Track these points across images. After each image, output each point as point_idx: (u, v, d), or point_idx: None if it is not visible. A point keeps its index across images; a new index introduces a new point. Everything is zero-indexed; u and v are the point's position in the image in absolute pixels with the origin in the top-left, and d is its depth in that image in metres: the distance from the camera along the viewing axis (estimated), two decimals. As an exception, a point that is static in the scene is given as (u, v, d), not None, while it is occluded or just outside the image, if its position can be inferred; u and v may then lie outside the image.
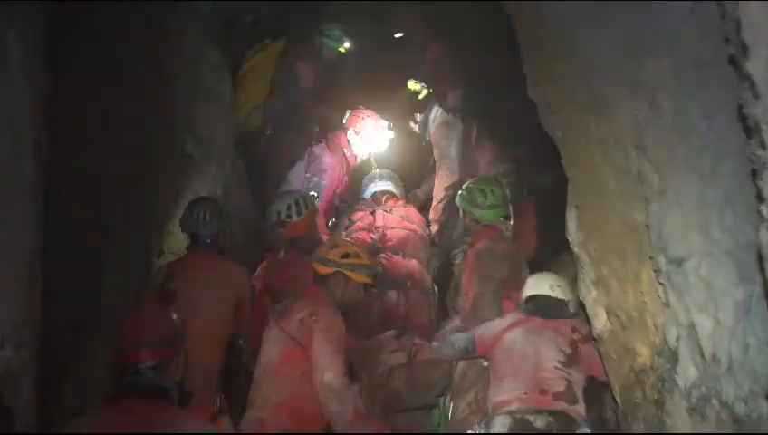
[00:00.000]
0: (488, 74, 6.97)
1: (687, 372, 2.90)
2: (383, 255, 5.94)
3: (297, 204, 5.57)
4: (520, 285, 4.87)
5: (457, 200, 5.47)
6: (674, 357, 2.99)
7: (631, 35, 3.01)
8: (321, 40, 7.55)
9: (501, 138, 6.85)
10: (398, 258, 6.05)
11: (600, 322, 3.82)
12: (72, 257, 4.19)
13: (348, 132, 6.69)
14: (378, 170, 6.86)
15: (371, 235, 6.23)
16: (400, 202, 6.62)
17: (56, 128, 3.56)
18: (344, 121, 6.82)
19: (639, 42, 2.97)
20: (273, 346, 4.32)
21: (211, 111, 6.09)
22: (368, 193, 6.67)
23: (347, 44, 7.63)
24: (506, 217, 5.43)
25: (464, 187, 5.54)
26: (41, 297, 3.39)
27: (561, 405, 4.12)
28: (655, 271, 3.06)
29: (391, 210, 6.44)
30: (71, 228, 4.13)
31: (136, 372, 2.97)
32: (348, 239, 5.63)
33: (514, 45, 4.28)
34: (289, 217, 5.55)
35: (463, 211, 5.42)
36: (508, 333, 4.44)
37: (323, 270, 4.52)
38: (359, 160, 6.75)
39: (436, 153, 6.99)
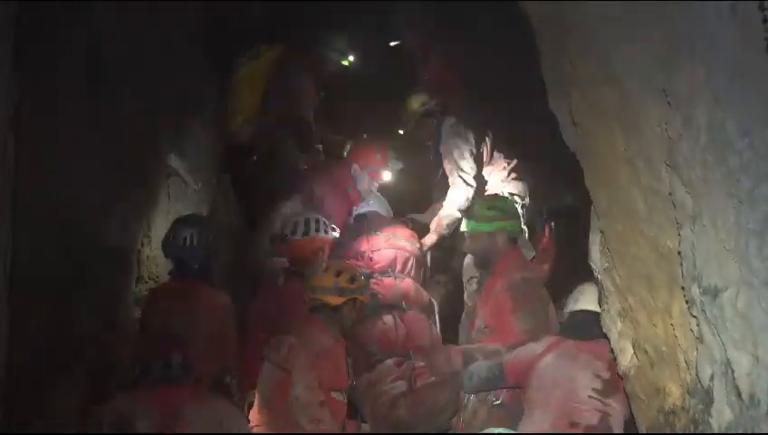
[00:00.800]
0: (501, 84, 7.06)
1: (722, 414, 2.84)
2: (372, 279, 5.98)
3: (307, 224, 5.64)
4: None
5: (465, 226, 5.47)
6: (708, 397, 2.94)
7: (664, 41, 2.97)
8: (324, 51, 7.61)
9: (515, 154, 6.92)
10: (389, 280, 6.17)
11: (626, 357, 3.78)
12: (41, 284, 4.19)
13: (352, 168, 6.81)
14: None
15: (356, 261, 6.25)
16: (385, 220, 6.74)
17: (25, 140, 3.56)
18: (346, 154, 6.92)
19: (672, 48, 2.93)
20: (266, 379, 4.39)
21: (196, 122, 6.12)
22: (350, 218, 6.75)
23: (351, 58, 7.70)
24: (521, 232, 5.47)
25: (472, 208, 5.59)
26: (7, 328, 3.39)
27: None
28: (687, 302, 3.01)
29: (375, 231, 6.52)
30: (40, 252, 4.14)
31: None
32: (338, 261, 5.65)
33: (530, 53, 4.33)
34: (293, 233, 5.56)
35: (471, 233, 5.42)
36: (543, 359, 4.37)
37: (337, 301, 4.58)
38: (363, 198, 6.83)
39: (447, 168, 6.97)
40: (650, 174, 3.22)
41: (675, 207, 3.04)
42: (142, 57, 5.46)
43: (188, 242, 4.81)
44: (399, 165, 7.14)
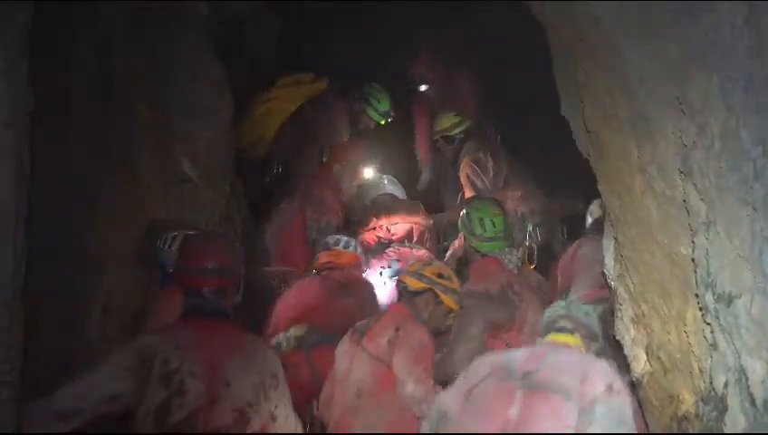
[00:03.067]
0: (519, 100, 7.18)
1: (736, 422, 2.86)
2: (392, 248, 6.66)
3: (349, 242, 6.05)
4: (522, 324, 5.03)
5: (459, 223, 5.70)
6: (722, 404, 2.94)
7: (678, 49, 3.00)
8: (365, 107, 7.77)
9: (534, 172, 7.04)
10: (406, 249, 6.68)
11: (640, 364, 3.78)
12: (55, 293, 4.22)
13: (334, 168, 7.32)
14: (381, 177, 7.70)
15: (376, 233, 6.97)
16: (401, 200, 7.47)
17: (38, 147, 3.58)
18: (325, 157, 7.23)
19: (687, 57, 2.95)
20: (358, 370, 4.42)
21: (210, 129, 6.14)
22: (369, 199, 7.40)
23: (390, 119, 7.86)
24: (511, 246, 5.53)
25: (463, 211, 5.67)
26: (22, 333, 3.41)
27: None
28: (701, 309, 3.02)
29: (394, 209, 7.20)
30: (53, 261, 4.16)
31: (200, 295, 3.86)
32: (440, 262, 5.76)
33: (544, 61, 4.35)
34: (336, 243, 5.97)
35: (464, 236, 5.67)
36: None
37: (415, 284, 4.63)
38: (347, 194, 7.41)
39: (467, 191, 7.22)
40: (664, 181, 3.23)
41: (689, 214, 3.06)
42: (155, 64, 5.49)
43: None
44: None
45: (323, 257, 5.96)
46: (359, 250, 6.16)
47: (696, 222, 3.00)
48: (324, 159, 7.46)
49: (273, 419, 3.88)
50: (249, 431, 3.73)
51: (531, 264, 6.47)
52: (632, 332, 3.86)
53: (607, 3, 3.39)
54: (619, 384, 3.59)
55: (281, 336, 5.40)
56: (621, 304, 3.93)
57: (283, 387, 3.95)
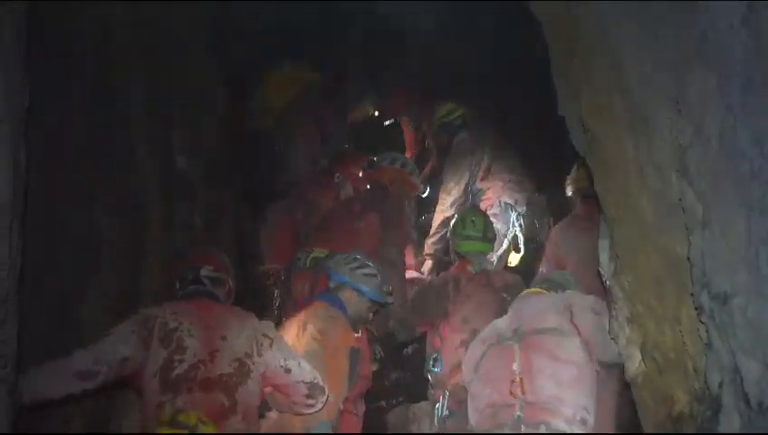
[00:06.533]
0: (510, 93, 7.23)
1: (731, 422, 2.85)
2: None
3: (396, 158, 6.94)
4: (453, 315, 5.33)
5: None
6: (716, 404, 2.94)
7: (676, 48, 3.00)
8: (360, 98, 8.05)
9: (520, 164, 7.07)
10: None
11: (634, 364, 3.78)
12: (49, 296, 4.21)
13: (336, 177, 7.46)
14: None
15: None
16: None
17: (34, 145, 3.57)
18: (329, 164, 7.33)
19: (684, 55, 2.95)
20: None
21: (207, 123, 6.15)
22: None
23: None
24: (484, 253, 5.64)
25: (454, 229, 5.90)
26: (16, 337, 3.40)
27: None
28: (696, 309, 3.01)
29: None
30: (49, 262, 4.16)
31: (197, 279, 4.44)
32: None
33: (540, 58, 4.35)
34: (382, 160, 6.93)
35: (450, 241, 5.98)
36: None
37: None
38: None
39: (444, 182, 7.41)
40: (660, 181, 3.23)
41: (684, 213, 3.05)
42: (154, 57, 5.48)
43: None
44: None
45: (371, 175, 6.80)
46: (406, 167, 6.82)
47: (692, 221, 2.99)
48: (324, 163, 7.58)
49: (288, 371, 4.24)
50: (250, 383, 4.08)
51: (516, 252, 6.57)
52: (627, 331, 3.86)
53: (605, 2, 3.39)
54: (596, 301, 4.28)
55: (303, 254, 5.95)
56: (616, 304, 3.93)
57: (282, 344, 4.33)
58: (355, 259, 5.08)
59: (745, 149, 2.65)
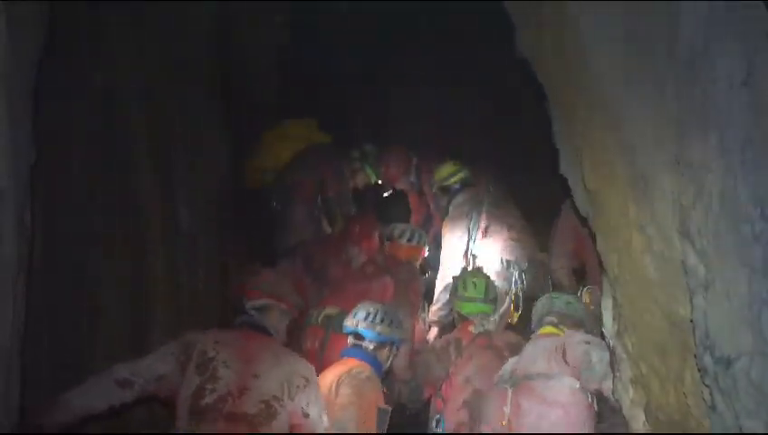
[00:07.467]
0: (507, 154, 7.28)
1: (736, 484, 2.83)
2: None
3: (413, 233, 6.91)
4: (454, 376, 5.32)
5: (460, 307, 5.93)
6: (720, 468, 2.89)
7: (677, 109, 3.02)
8: (363, 165, 8.01)
9: (514, 222, 7.11)
10: None
11: (638, 424, 3.73)
12: (55, 348, 4.21)
13: (348, 246, 7.32)
14: None
15: None
16: None
17: (39, 201, 3.59)
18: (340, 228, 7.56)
19: (686, 116, 2.97)
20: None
21: (209, 178, 6.17)
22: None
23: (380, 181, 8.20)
24: (486, 314, 5.65)
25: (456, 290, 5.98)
26: (19, 390, 3.40)
27: None
28: (700, 371, 2.98)
29: None
30: (54, 315, 4.17)
31: (244, 310, 4.53)
32: None
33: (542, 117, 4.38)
34: (400, 237, 6.83)
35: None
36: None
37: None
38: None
39: (443, 246, 7.33)
40: (662, 241, 3.23)
41: (687, 274, 3.04)
42: (158, 112, 5.53)
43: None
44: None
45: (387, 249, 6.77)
46: (422, 242, 6.86)
47: (694, 283, 2.98)
48: (337, 225, 7.57)
49: (306, 415, 4.29)
50: (275, 424, 4.13)
51: (516, 311, 6.56)
52: (631, 392, 3.82)
53: (606, 61, 3.43)
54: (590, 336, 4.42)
55: (315, 311, 6.04)
56: (620, 364, 3.90)
57: (314, 389, 4.39)
58: (365, 309, 5.23)
59: (746, 211, 2.66)
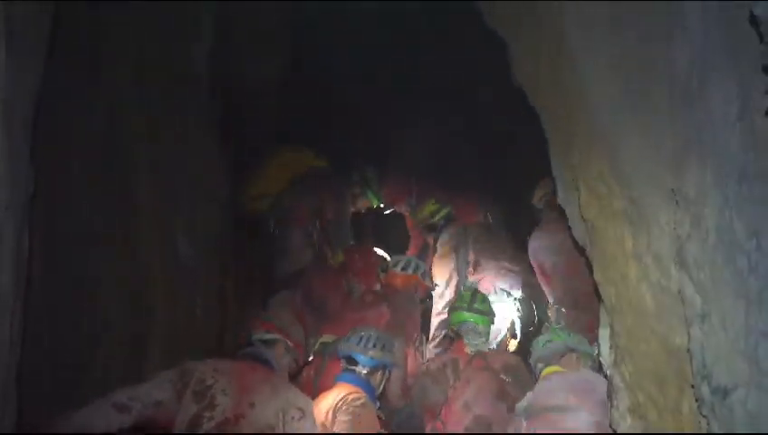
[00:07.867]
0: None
1: None
2: None
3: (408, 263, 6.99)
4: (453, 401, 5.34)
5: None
6: (717, 498, 2.90)
7: (674, 141, 3.05)
8: (363, 190, 8.01)
9: (499, 252, 7.15)
10: None
11: (637, 455, 3.78)
12: (50, 381, 4.21)
13: (347, 277, 7.28)
14: None
15: None
16: None
17: (37, 229, 3.60)
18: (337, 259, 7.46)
19: (682, 150, 2.99)
20: None
21: (208, 208, 6.18)
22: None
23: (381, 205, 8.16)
24: (475, 324, 5.68)
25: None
26: (18, 390, 3.39)
27: None
28: (697, 401, 2.99)
29: None
30: (51, 346, 4.17)
31: (250, 342, 4.61)
32: None
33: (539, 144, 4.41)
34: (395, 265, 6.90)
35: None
36: None
37: None
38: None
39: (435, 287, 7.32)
40: (659, 272, 3.25)
41: (684, 305, 3.06)
42: (157, 143, 5.54)
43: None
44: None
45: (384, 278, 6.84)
46: (418, 271, 6.86)
47: (691, 313, 3.00)
48: (336, 253, 7.56)
49: None
50: None
51: (513, 338, 6.56)
52: (628, 421, 3.82)
53: (602, 92, 3.46)
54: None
55: (312, 339, 5.89)
56: (617, 394, 3.90)
57: (309, 421, 4.35)
58: (358, 334, 5.27)
59: (742, 243, 2.67)
